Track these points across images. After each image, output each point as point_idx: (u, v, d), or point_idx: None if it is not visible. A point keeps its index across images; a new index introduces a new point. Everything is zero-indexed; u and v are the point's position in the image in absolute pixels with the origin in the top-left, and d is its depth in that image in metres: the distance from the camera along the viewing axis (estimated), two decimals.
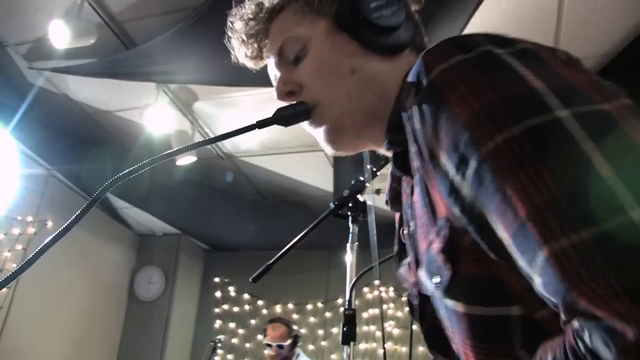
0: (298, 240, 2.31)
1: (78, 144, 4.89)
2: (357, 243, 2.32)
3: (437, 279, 0.74)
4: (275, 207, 5.89)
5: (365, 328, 6.10)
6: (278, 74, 0.99)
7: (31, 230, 5.18)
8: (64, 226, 0.83)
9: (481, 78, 0.64)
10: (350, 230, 2.33)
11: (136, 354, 6.47)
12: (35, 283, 5.03)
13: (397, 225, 1.05)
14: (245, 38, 1.01)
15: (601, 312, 0.48)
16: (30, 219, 5.19)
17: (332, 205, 2.33)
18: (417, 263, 0.85)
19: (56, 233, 0.82)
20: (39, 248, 0.81)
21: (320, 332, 6.40)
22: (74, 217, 0.83)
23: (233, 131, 0.95)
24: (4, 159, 4.32)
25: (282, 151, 4.88)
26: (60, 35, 3.27)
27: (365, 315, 6.14)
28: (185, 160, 4.53)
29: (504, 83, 0.62)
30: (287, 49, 0.96)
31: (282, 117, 0.93)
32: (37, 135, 4.38)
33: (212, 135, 4.70)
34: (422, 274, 0.80)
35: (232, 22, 1.03)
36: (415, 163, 0.75)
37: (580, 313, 0.50)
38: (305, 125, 0.97)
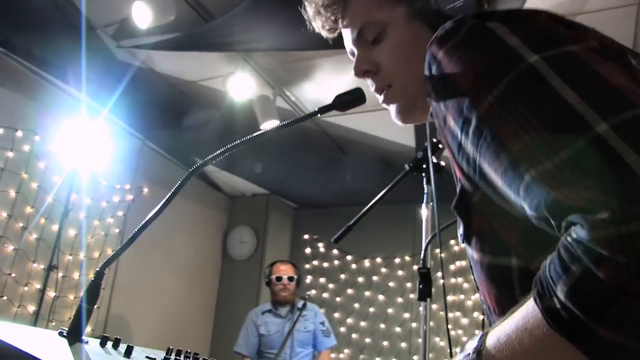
0: (377, 201, 2.40)
1: (166, 114, 5.12)
2: (431, 203, 2.37)
3: (460, 230, 0.85)
4: (359, 164, 5.94)
5: (452, 280, 6.13)
6: (355, 51, 1.06)
7: (129, 197, 5.51)
8: (166, 198, 0.98)
9: (471, 50, 0.74)
10: (425, 190, 2.38)
11: (232, 310, 6.75)
12: (138, 247, 5.33)
13: None
14: (322, 10, 1.07)
15: (576, 202, 0.57)
16: (128, 187, 5.51)
17: (407, 167, 2.40)
18: None
19: (159, 207, 0.97)
20: (145, 220, 0.97)
21: (409, 285, 6.48)
22: (174, 188, 0.98)
23: (302, 117, 1.08)
24: (102, 133, 4.57)
25: (364, 110, 4.90)
26: (142, 15, 3.42)
27: (452, 267, 6.16)
28: (269, 124, 4.64)
29: (487, 49, 0.73)
30: (366, 30, 1.03)
31: (341, 103, 1.05)
32: (128, 108, 4.60)
33: (293, 99, 4.80)
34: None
35: None
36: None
37: (563, 210, 0.58)
38: (379, 98, 1.06)
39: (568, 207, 0.57)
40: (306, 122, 3.87)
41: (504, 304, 0.74)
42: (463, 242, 0.85)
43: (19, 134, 4.36)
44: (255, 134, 1.05)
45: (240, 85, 4.34)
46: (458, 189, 0.82)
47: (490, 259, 0.78)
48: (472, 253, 0.83)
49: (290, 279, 4.71)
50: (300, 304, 4.69)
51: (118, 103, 4.34)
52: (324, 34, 1.12)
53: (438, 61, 0.78)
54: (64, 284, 4.66)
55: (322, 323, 4.75)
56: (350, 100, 1.03)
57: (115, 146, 4.95)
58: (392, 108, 1.04)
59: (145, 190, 5.65)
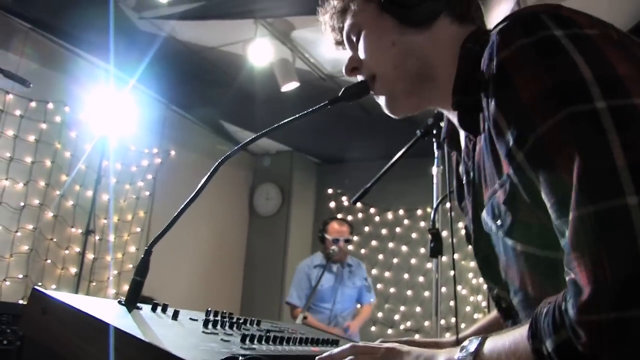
0: (390, 165, 2.53)
1: (188, 79, 5.26)
2: (441, 167, 2.49)
3: (499, 222, 0.90)
4: (380, 122, 6.01)
5: None
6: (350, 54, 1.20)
7: (158, 160, 5.71)
8: (205, 179, 1.22)
9: (540, 63, 0.76)
10: (435, 155, 2.49)
11: (260, 265, 6.99)
12: (168, 209, 5.54)
13: (454, 164, 1.26)
14: (330, 30, 1.24)
15: (578, 273, 0.66)
16: (155, 150, 5.70)
17: (418, 133, 2.52)
18: (475, 205, 1.04)
19: (200, 185, 1.21)
20: (188, 200, 1.22)
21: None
22: (212, 169, 1.21)
23: (316, 108, 1.24)
24: (128, 100, 4.73)
25: None
26: None
27: None
28: (290, 86, 4.75)
29: (558, 69, 0.75)
30: (351, 33, 1.17)
31: (348, 95, 1.19)
32: (152, 76, 4.75)
33: (312, 60, 4.90)
34: (485, 215, 0.96)
35: (323, 15, 1.24)
36: (484, 125, 0.91)
37: (569, 269, 0.69)
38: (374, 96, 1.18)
39: (572, 271, 0.68)
40: (328, 83, 3.97)
41: (547, 291, 0.81)
42: (505, 236, 0.90)
43: (50, 106, 4.56)
44: (294, 117, 1.25)
45: (259, 49, 4.45)
46: (507, 187, 0.86)
47: (537, 251, 0.86)
48: (513, 244, 0.89)
49: (347, 241, 4.80)
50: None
51: (143, 71, 4.49)
52: (336, 48, 1.26)
53: (504, 55, 0.80)
54: (101, 246, 4.91)
55: (365, 279, 4.92)
56: (355, 92, 1.17)
57: (141, 112, 5.10)
58: (382, 100, 1.15)
59: (172, 153, 5.85)
